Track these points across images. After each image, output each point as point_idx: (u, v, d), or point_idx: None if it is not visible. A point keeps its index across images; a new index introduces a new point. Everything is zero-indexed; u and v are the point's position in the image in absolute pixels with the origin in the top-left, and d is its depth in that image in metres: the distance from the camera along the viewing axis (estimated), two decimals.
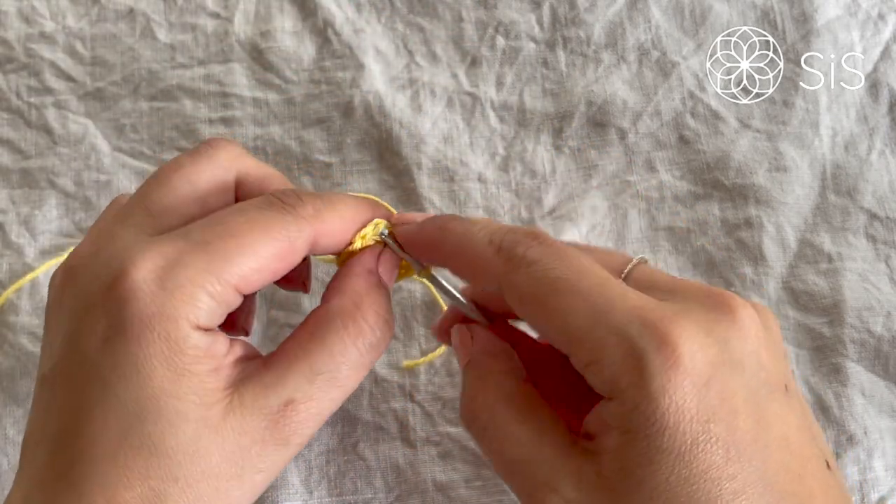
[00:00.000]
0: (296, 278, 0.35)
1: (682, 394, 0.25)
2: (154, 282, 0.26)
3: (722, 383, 0.25)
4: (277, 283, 0.35)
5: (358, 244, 0.31)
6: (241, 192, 0.32)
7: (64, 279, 0.29)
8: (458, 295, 0.33)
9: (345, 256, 0.32)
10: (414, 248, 0.32)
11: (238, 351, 0.29)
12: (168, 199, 0.30)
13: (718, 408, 0.25)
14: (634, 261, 0.31)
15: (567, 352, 0.27)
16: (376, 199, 0.33)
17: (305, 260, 0.35)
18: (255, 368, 0.29)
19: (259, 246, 0.28)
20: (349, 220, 0.31)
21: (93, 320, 0.27)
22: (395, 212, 0.33)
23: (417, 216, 0.33)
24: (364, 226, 0.32)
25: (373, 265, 0.31)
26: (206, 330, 0.28)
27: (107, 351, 0.26)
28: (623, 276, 0.30)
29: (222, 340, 0.28)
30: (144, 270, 0.26)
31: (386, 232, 0.32)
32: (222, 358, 0.28)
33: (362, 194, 0.34)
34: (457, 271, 0.31)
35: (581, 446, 0.27)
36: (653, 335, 0.25)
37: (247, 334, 0.35)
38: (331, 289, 0.31)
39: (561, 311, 0.27)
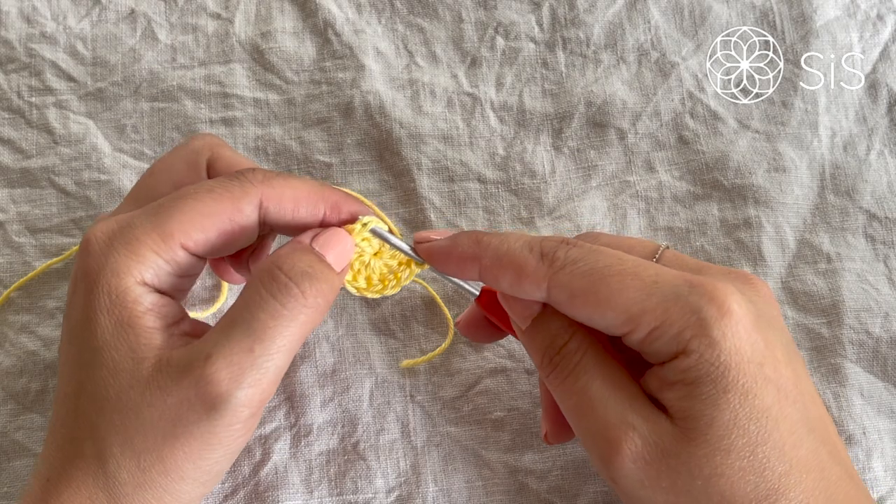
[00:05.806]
0: (240, 261, 0.36)
1: (738, 338, 0.28)
2: (104, 242, 0.29)
3: (764, 334, 0.29)
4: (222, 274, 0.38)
5: (363, 243, 0.33)
6: (212, 174, 0.34)
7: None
8: (465, 286, 0.35)
9: (366, 273, 0.34)
10: (449, 262, 0.33)
11: (189, 325, 0.31)
12: (148, 184, 0.34)
13: (765, 353, 0.28)
14: (663, 246, 0.33)
15: (625, 330, 0.29)
16: (329, 184, 0.34)
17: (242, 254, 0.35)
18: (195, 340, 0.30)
19: (200, 204, 0.30)
20: (303, 191, 0.32)
21: (69, 288, 0.31)
22: (357, 196, 0.34)
23: (433, 233, 0.34)
24: (352, 220, 0.33)
25: (304, 239, 0.31)
26: (157, 290, 0.30)
27: (71, 310, 0.30)
28: (655, 259, 0.33)
29: (176, 308, 0.31)
30: (99, 233, 0.30)
31: (378, 228, 0.33)
32: (169, 321, 0.30)
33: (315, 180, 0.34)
34: (496, 281, 0.32)
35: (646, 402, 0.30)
36: (702, 293, 0.28)
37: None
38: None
39: (613, 293, 0.29)
